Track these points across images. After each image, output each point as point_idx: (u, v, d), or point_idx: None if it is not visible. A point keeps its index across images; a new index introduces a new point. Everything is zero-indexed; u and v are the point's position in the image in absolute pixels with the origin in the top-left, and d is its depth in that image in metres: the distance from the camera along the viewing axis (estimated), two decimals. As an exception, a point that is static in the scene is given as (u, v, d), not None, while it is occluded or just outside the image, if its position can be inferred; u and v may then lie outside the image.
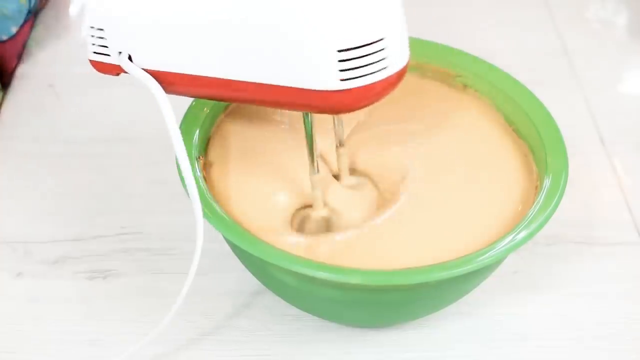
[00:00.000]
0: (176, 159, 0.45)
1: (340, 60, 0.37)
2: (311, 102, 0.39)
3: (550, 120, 0.48)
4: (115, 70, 0.45)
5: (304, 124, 0.43)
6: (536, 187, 0.46)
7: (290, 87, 0.39)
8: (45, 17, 0.72)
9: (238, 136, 0.49)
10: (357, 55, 0.37)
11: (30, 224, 0.54)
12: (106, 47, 0.44)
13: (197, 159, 0.46)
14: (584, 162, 0.59)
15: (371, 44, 0.37)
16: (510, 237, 0.42)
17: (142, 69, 0.43)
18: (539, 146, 0.47)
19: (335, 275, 0.40)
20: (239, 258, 0.46)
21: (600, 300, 0.51)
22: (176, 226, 0.53)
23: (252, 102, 0.44)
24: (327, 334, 0.48)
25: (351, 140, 0.49)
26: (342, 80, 0.38)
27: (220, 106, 0.49)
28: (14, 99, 0.64)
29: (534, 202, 0.44)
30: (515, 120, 0.49)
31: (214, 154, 0.48)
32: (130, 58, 0.43)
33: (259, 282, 0.47)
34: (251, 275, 0.47)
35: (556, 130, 0.47)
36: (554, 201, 0.43)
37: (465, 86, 0.52)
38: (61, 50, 0.69)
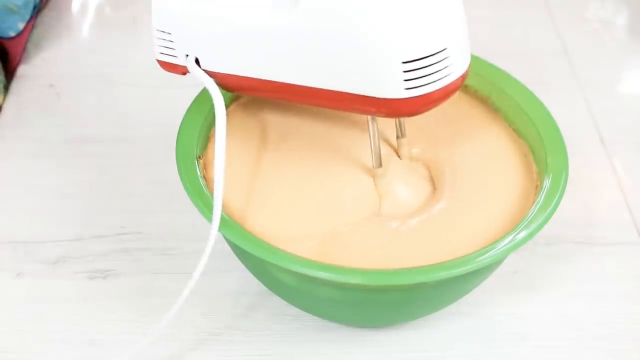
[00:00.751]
0: (176, 157, 0.45)
1: (405, 71, 0.39)
2: (375, 108, 0.41)
3: (550, 120, 0.48)
4: (181, 70, 0.46)
5: (368, 125, 0.44)
6: (536, 187, 0.46)
7: (355, 94, 0.41)
8: (46, 17, 0.72)
9: (239, 136, 0.48)
10: (422, 66, 0.39)
11: (30, 224, 0.54)
12: (173, 49, 0.45)
13: (197, 159, 0.46)
14: (584, 162, 0.59)
15: (435, 54, 0.39)
16: (510, 237, 0.42)
17: (208, 70, 0.45)
18: (539, 146, 0.47)
19: (335, 275, 0.40)
20: (239, 258, 0.46)
21: (600, 300, 0.51)
22: (176, 226, 0.53)
23: (315, 105, 0.45)
24: (327, 334, 0.48)
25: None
26: (406, 89, 0.39)
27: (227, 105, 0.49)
28: (14, 98, 0.64)
29: (534, 202, 0.44)
30: (515, 120, 0.49)
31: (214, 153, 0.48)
32: (197, 61, 0.45)
33: (259, 282, 0.47)
34: (251, 275, 0.47)
35: (556, 130, 0.47)
36: (554, 201, 0.43)
37: (465, 86, 0.52)
38: (62, 50, 0.69)
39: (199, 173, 0.45)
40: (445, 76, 0.40)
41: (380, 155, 0.45)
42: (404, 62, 0.39)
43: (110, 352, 0.47)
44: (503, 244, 0.41)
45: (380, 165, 0.45)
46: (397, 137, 0.47)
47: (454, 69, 0.40)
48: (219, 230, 0.42)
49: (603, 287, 0.51)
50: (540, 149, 0.47)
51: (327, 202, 0.45)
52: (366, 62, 0.39)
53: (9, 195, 0.57)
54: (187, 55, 0.45)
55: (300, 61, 0.41)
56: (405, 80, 0.39)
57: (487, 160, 0.48)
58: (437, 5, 0.39)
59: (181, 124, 0.47)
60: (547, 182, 0.44)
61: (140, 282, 0.51)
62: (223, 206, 0.43)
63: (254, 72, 0.44)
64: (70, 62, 0.68)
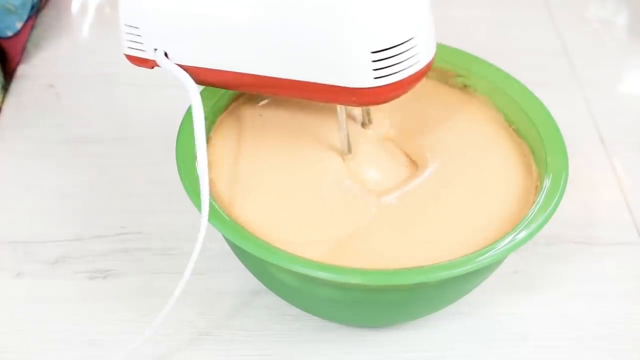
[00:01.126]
0: (176, 157, 0.45)
1: (374, 61, 0.40)
2: (344, 98, 0.42)
3: (550, 120, 0.48)
4: (150, 64, 0.46)
5: (338, 114, 0.45)
6: (536, 187, 0.46)
7: (325, 85, 0.41)
8: (46, 16, 0.72)
9: (239, 135, 0.48)
10: (390, 55, 0.40)
11: (30, 224, 0.54)
12: (142, 43, 0.45)
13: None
14: (584, 162, 0.59)
15: (402, 43, 0.40)
16: (510, 237, 0.42)
17: (177, 64, 0.45)
18: (539, 146, 0.47)
19: (335, 275, 0.40)
20: (239, 258, 0.46)
21: (600, 300, 0.51)
22: (176, 226, 0.53)
23: (285, 95, 0.45)
24: (327, 334, 0.48)
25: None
26: (375, 78, 0.40)
27: (221, 105, 0.49)
28: (14, 99, 0.64)
29: (534, 202, 0.44)
30: (515, 120, 0.49)
31: (214, 153, 0.48)
32: (166, 54, 0.45)
33: (259, 282, 0.47)
34: (251, 275, 0.47)
35: (556, 130, 0.47)
36: (554, 201, 0.43)
37: (465, 86, 0.52)
38: (61, 50, 0.69)
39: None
40: (412, 65, 0.41)
41: (349, 141, 0.46)
42: (372, 52, 0.40)
43: (110, 352, 0.47)
44: (503, 244, 0.41)
45: (350, 151, 0.46)
46: (363, 124, 0.48)
47: (421, 57, 0.41)
48: (209, 220, 0.42)
49: (603, 287, 0.51)
50: (540, 149, 0.47)
51: (308, 191, 0.45)
52: (335, 52, 0.40)
53: (9, 195, 0.57)
54: (156, 49, 0.45)
55: (269, 52, 0.42)
56: (374, 70, 0.40)
57: (487, 160, 0.48)
58: None
59: (181, 124, 0.47)
60: (547, 182, 0.44)
61: (140, 282, 0.51)
62: (219, 203, 0.43)
63: (223, 64, 0.44)
64: (70, 62, 0.67)
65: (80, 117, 0.62)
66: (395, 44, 0.40)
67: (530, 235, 0.42)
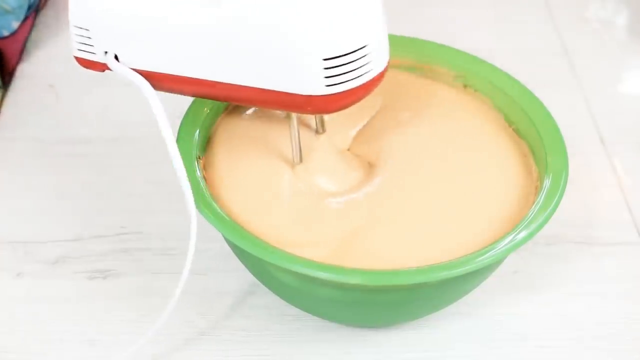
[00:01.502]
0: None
1: (326, 68, 0.39)
2: (297, 105, 0.41)
3: (550, 120, 0.48)
4: (100, 67, 0.46)
5: (290, 121, 0.45)
6: (536, 187, 0.46)
7: (277, 91, 0.41)
8: (45, 16, 0.72)
9: (239, 135, 0.48)
10: (342, 63, 0.39)
11: (30, 224, 0.54)
12: (92, 45, 0.45)
13: (197, 159, 0.46)
14: (584, 162, 0.59)
15: (355, 51, 0.39)
16: (510, 237, 0.42)
17: (129, 68, 0.44)
18: (539, 146, 0.47)
19: (335, 275, 0.40)
20: (239, 258, 0.46)
21: (600, 300, 0.51)
22: (176, 226, 0.53)
23: (239, 102, 0.45)
24: (327, 334, 0.48)
25: (353, 143, 0.49)
26: (327, 85, 0.40)
27: (221, 105, 0.49)
28: (14, 98, 0.64)
29: (534, 202, 0.44)
30: (515, 120, 0.49)
31: (214, 153, 0.48)
32: (116, 57, 0.44)
33: (259, 282, 0.47)
34: (251, 275, 0.47)
35: (556, 130, 0.47)
36: (554, 201, 0.43)
37: (465, 86, 0.52)
38: (61, 50, 0.68)
39: (198, 173, 0.45)
40: (365, 73, 0.41)
41: (300, 150, 0.46)
42: (325, 59, 0.39)
43: (110, 352, 0.47)
44: (503, 244, 0.41)
45: (301, 160, 0.46)
46: (317, 133, 0.48)
47: (374, 65, 0.41)
48: (218, 229, 0.42)
49: (603, 287, 0.51)
50: (540, 149, 0.47)
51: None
52: (288, 59, 0.40)
53: (8, 195, 0.57)
54: (106, 52, 0.44)
55: (223, 58, 0.41)
56: (326, 77, 0.40)
57: (487, 160, 0.48)
58: (357, 3, 0.40)
59: (181, 124, 0.47)
60: (547, 182, 0.44)
61: (140, 282, 0.51)
62: (222, 206, 0.43)
63: (175, 69, 0.43)
64: (69, 62, 0.67)
65: (80, 117, 0.62)
66: (347, 52, 0.39)
67: (530, 235, 0.42)
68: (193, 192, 0.43)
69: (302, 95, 0.41)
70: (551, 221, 0.42)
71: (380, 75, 0.42)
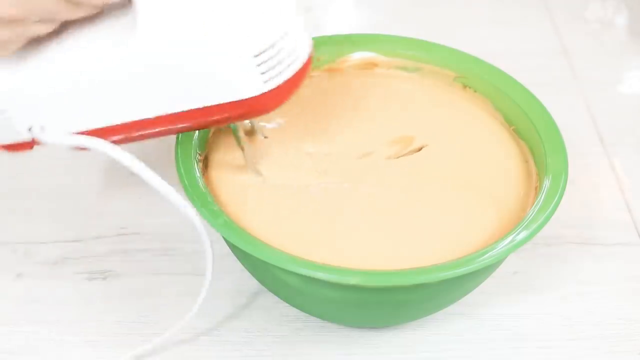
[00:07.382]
0: (176, 158, 0.45)
1: (258, 65, 0.40)
2: (238, 112, 0.42)
3: (550, 120, 0.48)
4: (28, 146, 0.44)
5: (233, 132, 0.47)
6: (536, 188, 0.46)
7: (218, 105, 0.42)
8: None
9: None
10: (271, 56, 0.41)
11: (30, 224, 0.54)
12: (12, 126, 0.43)
13: (197, 159, 0.46)
14: (584, 162, 0.59)
15: (279, 40, 0.41)
16: (510, 238, 0.42)
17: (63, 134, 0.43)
18: (539, 146, 0.47)
19: (335, 275, 0.40)
20: (238, 259, 0.46)
21: (600, 301, 0.51)
22: (176, 226, 0.53)
23: (180, 130, 0.44)
24: (327, 335, 0.48)
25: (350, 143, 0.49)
26: (264, 82, 0.41)
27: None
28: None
29: (533, 203, 0.44)
30: (515, 120, 0.49)
31: (213, 153, 0.48)
32: (42, 129, 0.43)
33: (258, 283, 0.47)
34: (250, 276, 0.47)
35: (556, 130, 0.47)
36: (554, 202, 0.43)
37: (465, 86, 0.52)
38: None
39: (198, 173, 0.45)
40: (294, 60, 0.42)
41: (254, 163, 0.46)
42: (255, 56, 0.40)
43: (109, 353, 0.47)
44: (503, 244, 0.41)
45: (260, 174, 0.46)
46: (265, 137, 0.48)
47: (300, 51, 0.42)
48: (218, 230, 0.42)
49: (603, 287, 0.51)
50: (540, 150, 0.47)
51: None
52: (219, 69, 0.41)
53: (8, 195, 0.57)
54: (30, 128, 0.42)
55: (155, 91, 0.42)
56: (261, 74, 0.41)
57: (487, 160, 0.48)
58: None
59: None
60: (547, 183, 0.44)
61: (140, 283, 0.51)
62: (222, 206, 0.43)
63: (111, 119, 0.43)
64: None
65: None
66: (273, 42, 0.40)
67: (530, 236, 0.42)
68: (192, 192, 0.43)
69: (243, 99, 0.41)
70: (551, 222, 0.42)
71: (309, 62, 0.43)
